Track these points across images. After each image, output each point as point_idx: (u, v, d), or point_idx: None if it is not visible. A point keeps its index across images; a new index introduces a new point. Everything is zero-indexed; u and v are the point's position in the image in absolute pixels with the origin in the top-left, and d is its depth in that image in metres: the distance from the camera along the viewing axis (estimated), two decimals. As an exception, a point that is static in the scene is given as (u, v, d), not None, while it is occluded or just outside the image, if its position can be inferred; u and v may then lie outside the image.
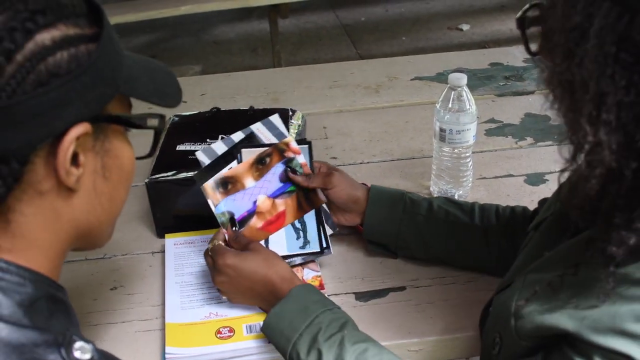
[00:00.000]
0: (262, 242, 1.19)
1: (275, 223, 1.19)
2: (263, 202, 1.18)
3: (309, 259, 1.22)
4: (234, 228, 1.17)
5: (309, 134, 1.66)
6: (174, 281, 1.20)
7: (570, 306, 0.77)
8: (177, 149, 1.38)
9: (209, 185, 1.16)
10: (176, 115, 1.54)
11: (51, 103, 0.67)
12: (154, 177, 1.30)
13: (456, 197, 1.40)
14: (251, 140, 1.24)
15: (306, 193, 1.22)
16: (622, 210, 0.71)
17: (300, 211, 1.21)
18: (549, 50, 0.75)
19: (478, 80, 1.91)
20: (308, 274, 1.20)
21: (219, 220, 1.16)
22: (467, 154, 1.38)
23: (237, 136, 1.25)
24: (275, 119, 1.25)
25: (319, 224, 1.23)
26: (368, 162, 1.58)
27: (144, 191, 1.32)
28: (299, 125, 1.52)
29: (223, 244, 1.13)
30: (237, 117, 1.50)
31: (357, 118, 1.78)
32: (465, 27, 4.95)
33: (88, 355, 0.68)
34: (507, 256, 1.12)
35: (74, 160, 0.71)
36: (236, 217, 1.16)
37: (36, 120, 0.67)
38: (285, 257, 1.18)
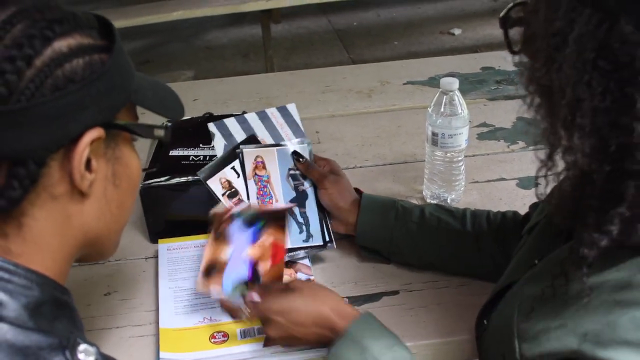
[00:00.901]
0: None
1: (278, 253, 1.15)
2: (252, 250, 1.15)
3: (312, 252, 1.24)
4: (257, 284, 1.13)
5: (301, 139, 1.66)
6: (168, 286, 1.20)
7: (567, 319, 0.76)
8: (170, 154, 1.38)
9: (200, 282, 1.11)
10: (168, 121, 1.54)
11: (67, 107, 0.71)
12: (147, 182, 1.30)
13: (448, 201, 1.41)
14: (252, 142, 1.28)
15: (273, 215, 1.18)
16: (594, 211, 0.72)
17: (282, 227, 1.17)
18: (531, 54, 0.76)
19: (470, 84, 1.92)
20: (301, 278, 1.20)
21: (237, 297, 1.09)
22: (459, 158, 1.38)
23: (250, 116, 1.29)
24: (292, 107, 1.29)
25: (322, 218, 1.26)
26: (361, 167, 1.58)
27: (137, 196, 1.31)
28: (291, 130, 1.52)
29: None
30: (230, 122, 1.51)
31: (350, 123, 1.78)
32: (457, 31, 4.97)
33: (92, 358, 0.70)
34: (499, 261, 1.13)
35: (87, 165, 0.75)
36: (247, 278, 1.12)
37: (53, 122, 0.70)
38: (288, 251, 1.20)
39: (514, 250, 1.05)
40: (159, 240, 1.32)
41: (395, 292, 1.20)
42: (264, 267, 1.14)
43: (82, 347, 0.70)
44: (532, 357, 0.81)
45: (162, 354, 1.06)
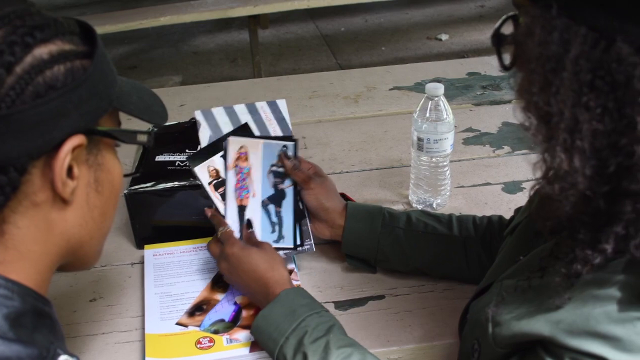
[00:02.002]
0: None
1: None
2: (243, 298, 1.18)
3: (281, 253, 1.22)
4: (250, 230, 1.20)
5: (288, 144, 1.66)
6: (154, 292, 1.20)
7: (540, 308, 0.77)
8: (157, 159, 1.38)
9: (185, 319, 1.15)
10: (155, 126, 1.54)
11: (49, 114, 0.70)
12: (133, 188, 1.30)
13: (434, 205, 1.41)
14: (244, 131, 1.25)
15: None
16: (587, 227, 0.73)
17: None
18: (524, 71, 0.75)
19: (456, 89, 1.93)
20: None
21: (210, 331, 1.13)
22: (445, 163, 1.39)
23: (239, 108, 1.27)
24: (282, 104, 1.27)
25: (297, 221, 1.24)
26: (347, 172, 1.59)
27: (122, 202, 1.31)
28: (278, 136, 1.53)
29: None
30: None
31: (336, 128, 1.79)
32: (444, 37, 4.99)
33: None
34: (485, 265, 1.13)
35: (69, 172, 0.74)
36: (226, 319, 1.15)
37: (34, 130, 0.70)
38: None
39: (496, 251, 1.06)
40: (145, 246, 1.32)
41: (381, 297, 1.21)
42: (247, 313, 1.15)
43: (63, 357, 0.70)
44: (502, 339, 0.83)
45: (147, 360, 1.07)
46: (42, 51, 0.72)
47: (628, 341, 0.70)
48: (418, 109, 1.35)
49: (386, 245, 1.22)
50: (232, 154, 1.23)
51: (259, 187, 1.23)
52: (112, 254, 1.34)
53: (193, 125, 1.51)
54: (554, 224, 0.78)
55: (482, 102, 1.87)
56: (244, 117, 1.28)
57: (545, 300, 0.77)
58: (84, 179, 0.78)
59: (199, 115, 1.26)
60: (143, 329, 1.14)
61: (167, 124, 1.54)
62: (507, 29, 0.82)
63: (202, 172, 1.22)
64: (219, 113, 1.27)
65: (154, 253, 1.30)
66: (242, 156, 1.23)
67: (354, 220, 1.23)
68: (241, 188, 1.22)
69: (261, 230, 1.22)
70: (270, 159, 1.24)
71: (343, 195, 1.43)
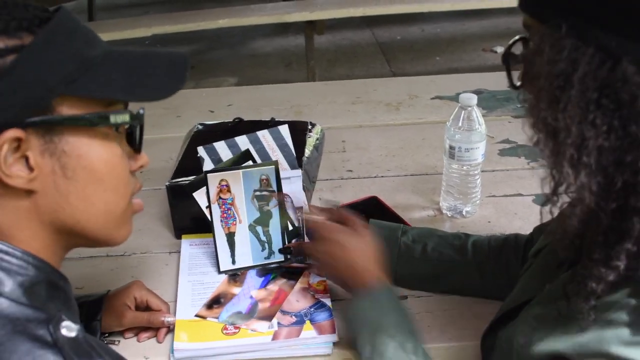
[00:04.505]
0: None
1: (280, 298, 1.23)
2: (258, 293, 1.24)
3: (275, 268, 1.29)
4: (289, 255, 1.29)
5: (327, 147, 1.72)
6: (187, 279, 1.27)
7: (560, 330, 0.80)
8: (199, 155, 1.44)
9: (203, 311, 1.20)
10: (200, 124, 1.61)
11: None
12: (174, 180, 1.37)
13: (464, 213, 1.45)
14: (245, 159, 1.32)
15: (289, 269, 1.29)
16: (600, 246, 0.75)
17: (294, 281, 1.26)
18: (533, 91, 0.79)
19: (497, 101, 1.95)
20: (314, 279, 1.25)
21: (229, 322, 1.17)
22: (476, 172, 1.42)
23: (241, 140, 1.33)
24: (284, 129, 1.30)
25: (284, 236, 1.30)
26: (382, 176, 1.63)
27: (164, 194, 1.39)
28: (317, 138, 1.58)
29: None
30: (257, 127, 1.56)
31: (376, 134, 1.83)
32: (499, 49, 4.96)
33: (73, 334, 0.74)
34: (501, 286, 1.15)
35: (27, 163, 0.76)
36: (243, 312, 1.19)
37: None
38: (251, 268, 1.28)
39: (513, 269, 1.08)
40: (182, 236, 1.39)
41: (404, 297, 1.24)
42: (263, 306, 1.21)
43: (66, 323, 0.74)
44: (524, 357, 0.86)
45: (176, 344, 1.12)
46: None
47: None
48: (451, 117, 1.39)
49: (403, 275, 1.24)
50: (213, 188, 1.27)
51: (244, 212, 1.28)
52: (152, 242, 1.41)
53: (236, 125, 1.59)
54: (567, 244, 0.80)
55: (522, 114, 1.88)
56: (246, 147, 1.34)
57: (567, 325, 0.79)
58: (46, 167, 0.77)
59: (201, 152, 1.33)
60: (175, 313, 1.20)
61: (211, 122, 1.62)
62: (518, 50, 0.85)
63: (201, 197, 1.30)
64: (220, 147, 1.33)
65: (190, 243, 1.37)
66: (224, 188, 1.27)
67: None
68: (227, 218, 1.28)
69: (251, 250, 1.28)
70: (252, 185, 1.28)
71: (375, 199, 1.48)
